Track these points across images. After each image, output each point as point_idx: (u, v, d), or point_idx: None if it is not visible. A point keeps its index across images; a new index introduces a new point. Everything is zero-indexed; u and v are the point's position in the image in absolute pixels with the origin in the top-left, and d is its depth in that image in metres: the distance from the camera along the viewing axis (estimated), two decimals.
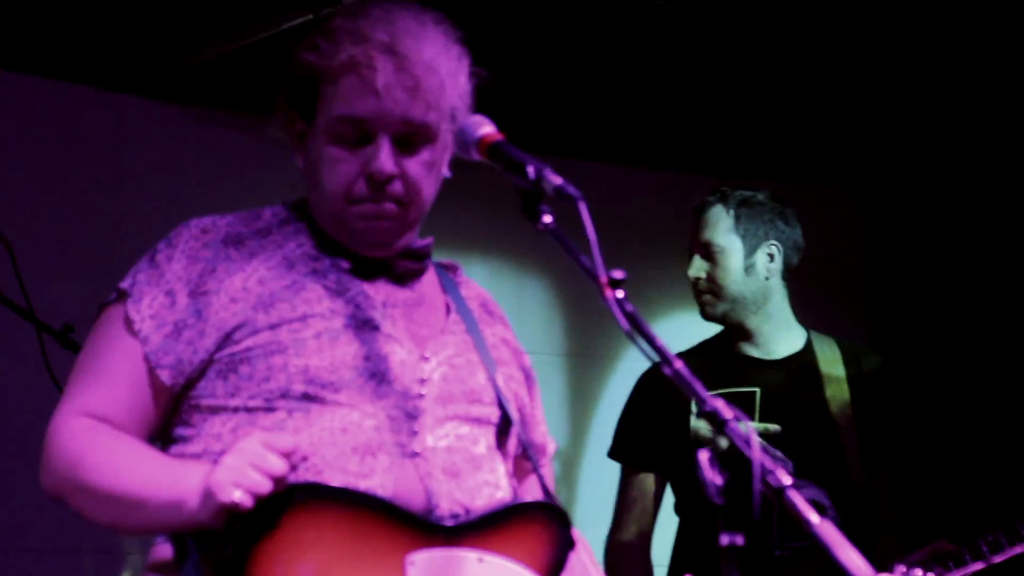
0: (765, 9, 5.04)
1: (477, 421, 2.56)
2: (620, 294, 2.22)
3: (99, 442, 2.44)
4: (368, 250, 2.59)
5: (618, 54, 5.30)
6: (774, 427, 3.88)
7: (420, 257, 2.65)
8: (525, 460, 2.73)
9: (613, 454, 4.15)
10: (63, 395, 2.52)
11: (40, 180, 5.02)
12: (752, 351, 4.04)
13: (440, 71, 2.52)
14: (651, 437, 4.05)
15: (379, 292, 2.58)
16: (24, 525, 4.84)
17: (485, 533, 2.42)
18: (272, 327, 2.45)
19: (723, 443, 2.34)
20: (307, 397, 2.43)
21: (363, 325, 2.51)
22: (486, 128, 2.50)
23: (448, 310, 2.66)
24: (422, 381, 2.51)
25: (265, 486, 2.24)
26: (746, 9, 5.05)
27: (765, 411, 3.92)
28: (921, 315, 6.16)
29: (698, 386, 2.16)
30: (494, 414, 2.60)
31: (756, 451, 2.04)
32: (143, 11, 4.82)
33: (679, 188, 6.21)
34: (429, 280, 2.68)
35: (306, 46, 2.54)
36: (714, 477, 2.11)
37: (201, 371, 2.47)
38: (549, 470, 2.85)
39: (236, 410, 2.44)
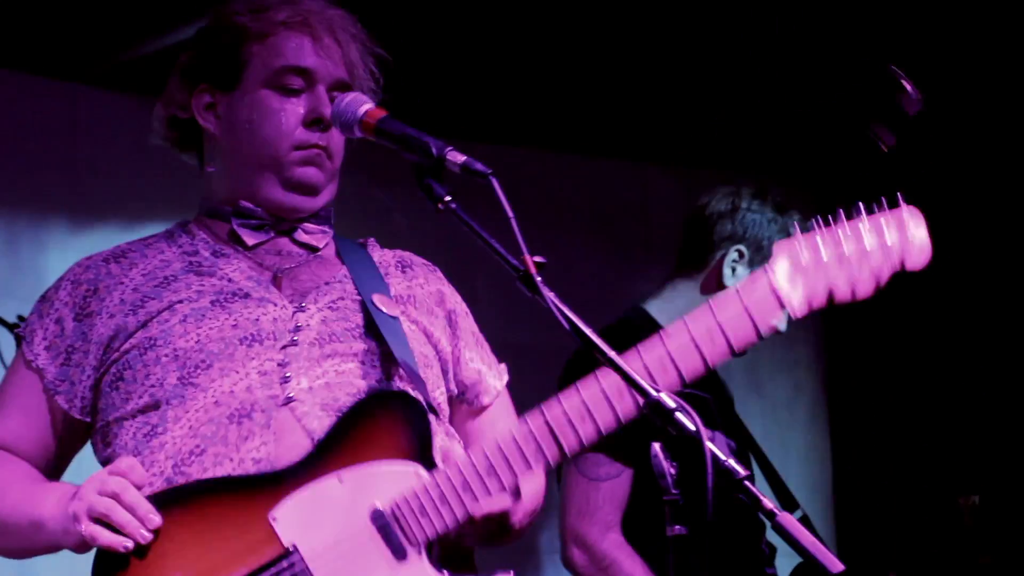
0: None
1: (364, 355, 2.56)
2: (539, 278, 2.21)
3: None
4: (293, 200, 2.66)
5: (574, 44, 5.30)
6: None
7: (324, 219, 2.72)
8: (461, 403, 2.74)
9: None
10: None
11: None
12: None
13: (354, 40, 2.72)
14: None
15: (265, 259, 2.66)
16: None
17: (337, 450, 2.44)
18: (143, 325, 2.54)
19: None
20: (181, 381, 2.50)
21: (231, 297, 2.58)
22: (367, 105, 2.49)
23: (337, 272, 2.70)
24: (297, 329, 2.55)
25: (119, 513, 2.35)
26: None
27: None
28: (875, 314, 6.17)
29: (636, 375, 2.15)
30: (380, 350, 2.59)
31: (705, 441, 2.03)
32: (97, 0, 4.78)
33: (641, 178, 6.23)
34: (328, 252, 2.74)
35: (234, 10, 2.70)
36: (668, 468, 2.11)
37: (97, 388, 2.57)
38: (501, 405, 2.78)
39: (134, 415, 2.53)
